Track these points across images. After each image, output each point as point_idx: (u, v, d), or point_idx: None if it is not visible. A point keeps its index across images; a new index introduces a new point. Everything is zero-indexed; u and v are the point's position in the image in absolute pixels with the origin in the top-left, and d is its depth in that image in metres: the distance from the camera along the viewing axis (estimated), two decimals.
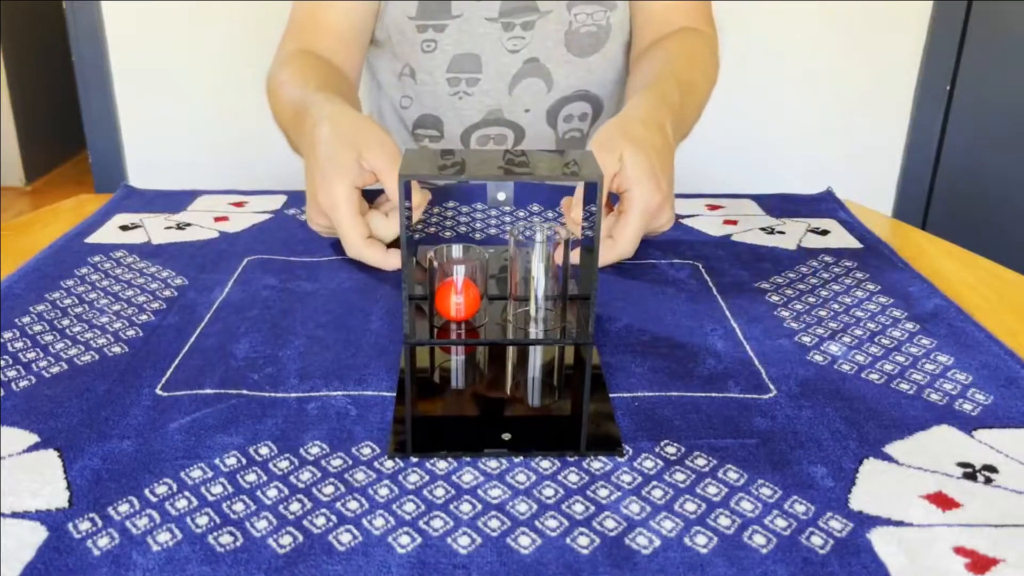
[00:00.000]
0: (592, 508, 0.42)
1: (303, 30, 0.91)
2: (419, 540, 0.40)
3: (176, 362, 0.55)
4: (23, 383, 0.52)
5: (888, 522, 0.41)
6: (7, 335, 0.58)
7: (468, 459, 0.45)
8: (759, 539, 0.40)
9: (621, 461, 0.45)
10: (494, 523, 0.41)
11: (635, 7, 0.95)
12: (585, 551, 0.39)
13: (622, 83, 1.00)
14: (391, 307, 0.62)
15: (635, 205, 0.66)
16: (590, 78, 0.96)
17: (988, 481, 0.44)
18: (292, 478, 0.44)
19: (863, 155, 2.19)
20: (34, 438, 0.47)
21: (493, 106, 0.95)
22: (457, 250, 0.58)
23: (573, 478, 0.44)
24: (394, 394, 0.51)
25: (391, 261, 0.67)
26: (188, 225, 0.78)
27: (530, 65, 0.93)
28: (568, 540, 0.40)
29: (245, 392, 0.51)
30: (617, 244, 0.67)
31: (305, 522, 0.41)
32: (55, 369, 0.54)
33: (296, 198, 0.86)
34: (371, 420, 0.49)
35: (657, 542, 0.39)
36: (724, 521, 0.41)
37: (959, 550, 0.39)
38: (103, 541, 0.39)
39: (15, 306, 0.62)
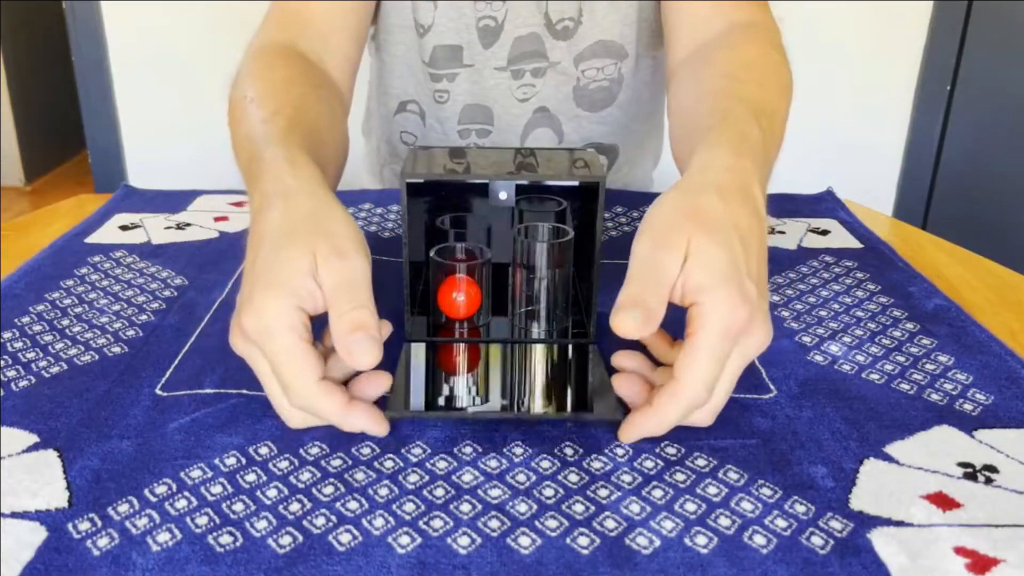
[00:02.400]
0: (592, 508, 0.42)
1: (287, 19, 0.77)
2: (419, 540, 0.40)
3: (176, 362, 0.55)
4: (23, 383, 0.52)
5: (888, 522, 0.41)
6: (7, 335, 0.58)
7: (468, 459, 0.45)
8: (759, 539, 0.40)
9: (621, 461, 0.45)
10: (494, 523, 0.41)
11: (667, 10, 0.79)
12: (585, 551, 0.39)
13: (643, 123, 0.94)
14: (391, 307, 0.62)
15: (709, 324, 0.45)
16: (602, 130, 0.91)
17: (989, 481, 0.44)
18: (292, 478, 0.44)
19: (863, 155, 2.19)
20: (34, 438, 0.47)
21: None
22: (459, 248, 0.58)
23: (573, 478, 0.44)
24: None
25: (355, 420, 0.46)
26: (188, 225, 0.78)
27: (540, 115, 0.90)
28: (568, 540, 0.40)
29: (245, 392, 0.51)
30: (680, 387, 0.45)
31: (305, 522, 0.41)
32: (55, 369, 0.54)
33: None
34: None
35: (657, 542, 0.39)
36: (724, 521, 0.41)
37: (959, 550, 0.39)
38: (103, 541, 0.39)
39: (15, 306, 0.62)
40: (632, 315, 0.44)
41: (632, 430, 0.47)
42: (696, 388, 0.45)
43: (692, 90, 0.68)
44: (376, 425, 0.47)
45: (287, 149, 0.54)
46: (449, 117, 0.91)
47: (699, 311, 0.45)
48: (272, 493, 0.43)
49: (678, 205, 0.48)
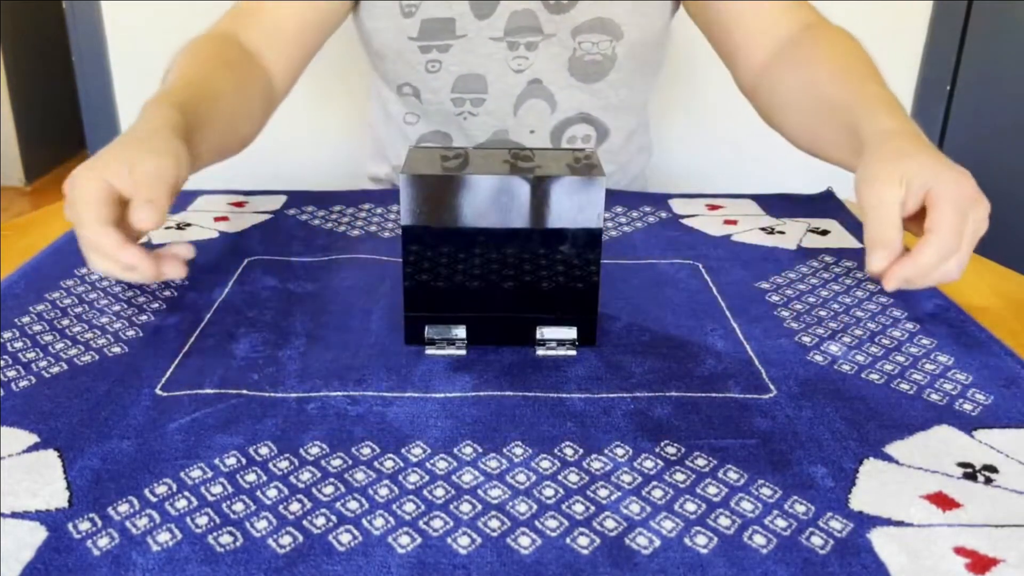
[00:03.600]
0: (592, 508, 0.42)
1: (240, 14, 0.86)
2: (419, 540, 0.40)
3: (176, 362, 0.55)
4: (23, 383, 0.52)
5: (888, 522, 0.41)
6: (7, 335, 0.58)
7: (468, 459, 0.45)
8: (759, 539, 0.40)
9: (621, 461, 0.45)
10: (494, 523, 0.41)
11: (729, 22, 0.87)
12: (585, 551, 0.39)
13: (627, 112, 0.97)
14: (391, 307, 0.62)
15: (947, 193, 0.56)
16: (592, 102, 0.94)
17: (988, 481, 0.44)
18: (292, 478, 0.44)
19: None
20: (34, 438, 0.47)
21: (498, 127, 0.93)
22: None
23: (573, 478, 0.44)
24: (394, 394, 0.51)
25: (127, 255, 0.57)
26: (188, 225, 0.78)
27: (534, 86, 0.92)
28: (568, 540, 0.40)
29: (245, 392, 0.51)
30: (934, 235, 0.56)
31: (305, 522, 0.41)
32: (55, 369, 0.54)
33: (296, 198, 0.86)
34: (371, 420, 0.49)
35: (657, 542, 0.39)
36: (724, 521, 0.41)
37: (959, 550, 0.39)
38: (103, 541, 0.39)
39: (15, 306, 0.62)
40: (878, 255, 0.57)
41: (894, 276, 0.57)
42: (948, 234, 0.55)
43: (804, 81, 0.79)
44: (142, 262, 0.57)
45: (156, 100, 0.68)
46: (442, 87, 0.92)
47: (934, 193, 0.56)
48: (272, 493, 0.43)
49: (877, 157, 0.60)
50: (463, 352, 0.56)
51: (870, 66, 0.77)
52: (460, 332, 0.57)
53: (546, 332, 0.57)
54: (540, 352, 0.56)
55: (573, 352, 0.56)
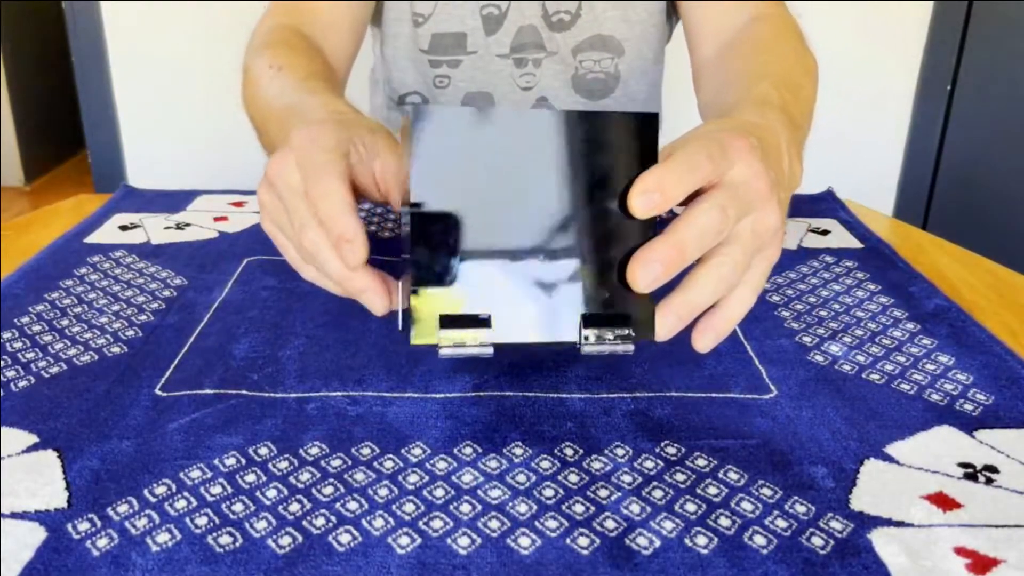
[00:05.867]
0: (592, 508, 0.42)
1: (296, 10, 0.80)
2: (419, 540, 0.39)
3: (175, 362, 0.54)
4: (22, 383, 0.52)
5: (889, 523, 0.41)
6: (6, 335, 0.57)
7: (468, 459, 0.45)
8: (760, 540, 0.40)
9: (621, 461, 0.45)
10: (494, 523, 0.41)
11: (688, 15, 0.83)
12: (585, 552, 0.39)
13: None
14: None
15: (728, 180, 0.43)
16: None
17: (989, 481, 0.44)
18: (292, 478, 0.44)
19: (864, 155, 2.19)
20: (33, 438, 0.47)
21: None
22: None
23: (573, 478, 0.44)
24: (394, 394, 0.51)
25: (358, 281, 0.46)
26: (188, 225, 0.78)
27: (540, 104, 0.91)
28: (568, 541, 0.40)
29: (244, 392, 0.51)
30: (691, 210, 0.42)
31: (305, 522, 0.41)
32: (54, 369, 0.54)
33: None
34: (371, 420, 0.48)
35: (657, 543, 0.39)
36: (724, 522, 0.41)
37: (960, 551, 0.39)
38: (102, 542, 0.39)
39: (14, 306, 0.62)
40: (645, 198, 0.41)
41: (647, 261, 0.41)
42: (710, 212, 0.41)
43: (720, 80, 0.70)
44: (375, 294, 0.45)
45: (333, 95, 0.58)
46: (450, 103, 0.91)
47: (723, 178, 0.43)
48: (272, 493, 0.43)
49: (703, 131, 0.46)
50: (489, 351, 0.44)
51: (784, 66, 0.66)
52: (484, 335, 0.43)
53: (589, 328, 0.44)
54: (587, 349, 0.44)
55: (631, 348, 0.44)
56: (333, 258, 0.44)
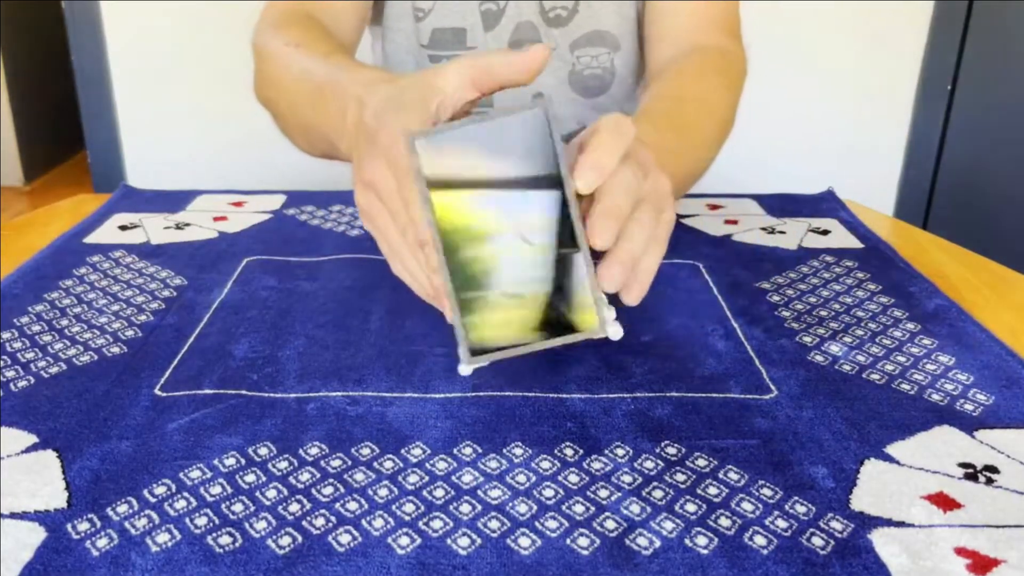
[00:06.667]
0: (592, 509, 0.42)
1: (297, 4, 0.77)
2: (419, 541, 0.39)
3: (175, 362, 0.54)
4: (22, 383, 0.52)
5: (889, 523, 0.41)
6: (6, 335, 0.57)
7: (468, 459, 0.45)
8: (760, 540, 0.40)
9: (621, 462, 0.45)
10: (494, 524, 0.41)
11: (650, 17, 0.83)
12: (585, 552, 0.39)
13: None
14: (391, 307, 0.62)
15: (604, 127, 0.45)
16: (594, 117, 0.92)
17: (989, 482, 0.44)
18: (291, 479, 0.44)
19: (864, 155, 2.19)
20: (33, 438, 0.46)
21: None
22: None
23: (573, 479, 0.44)
24: (394, 395, 0.51)
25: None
26: (187, 225, 0.78)
27: (537, 100, 0.91)
28: (568, 541, 0.40)
29: (244, 392, 0.51)
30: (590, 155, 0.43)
31: (304, 523, 0.40)
32: (54, 369, 0.53)
33: (295, 198, 0.85)
34: (370, 420, 0.48)
35: (658, 543, 0.39)
36: (725, 522, 0.41)
37: (960, 551, 0.39)
38: (102, 542, 0.39)
39: (14, 306, 0.62)
40: (591, 176, 0.43)
41: (601, 217, 0.43)
42: (627, 173, 0.44)
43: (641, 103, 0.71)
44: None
45: (364, 67, 0.56)
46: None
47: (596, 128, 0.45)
48: (271, 494, 0.42)
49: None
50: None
51: (691, 109, 0.69)
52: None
53: None
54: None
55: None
56: (417, 287, 0.46)
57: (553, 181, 0.43)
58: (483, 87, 0.47)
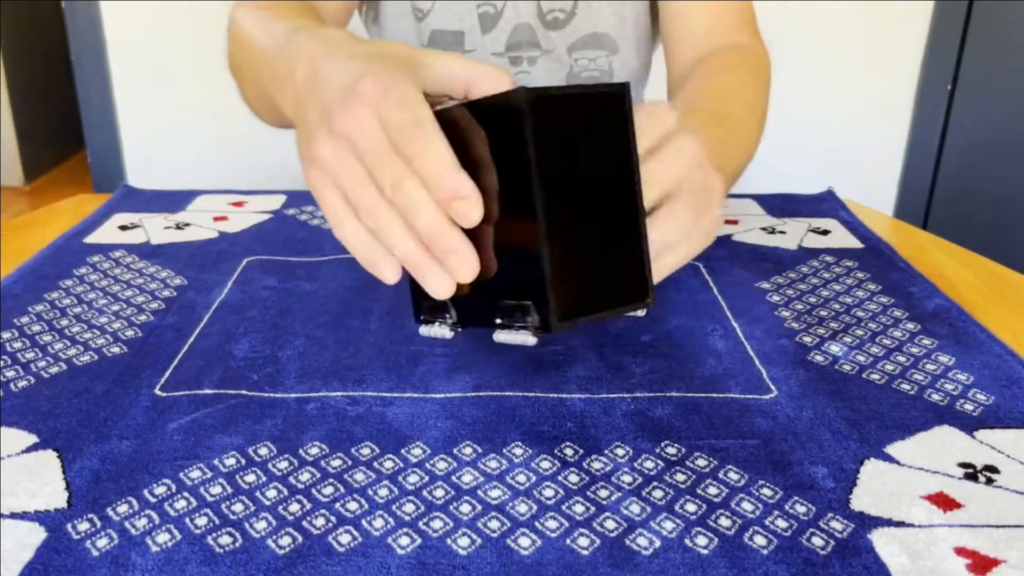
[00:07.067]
0: (592, 509, 0.42)
1: None
2: (419, 541, 0.39)
3: (175, 362, 0.54)
4: (22, 383, 0.52)
5: (889, 523, 0.41)
6: (6, 335, 0.57)
7: (468, 459, 0.45)
8: (760, 540, 0.40)
9: (621, 462, 0.45)
10: (494, 524, 0.41)
11: (667, 18, 0.82)
12: (585, 552, 0.39)
13: None
14: (391, 307, 0.62)
15: (640, 110, 0.44)
16: None
17: (989, 482, 0.44)
18: (291, 479, 0.44)
19: (864, 155, 2.19)
20: (33, 438, 0.46)
21: None
22: None
23: (573, 479, 0.44)
24: (394, 394, 0.51)
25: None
26: (187, 225, 0.78)
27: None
28: (568, 541, 0.40)
29: (244, 392, 0.51)
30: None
31: (304, 523, 0.40)
32: (54, 369, 0.53)
33: (295, 198, 0.85)
34: (370, 420, 0.48)
35: (658, 543, 0.39)
36: (725, 522, 0.41)
37: (960, 551, 0.39)
38: (102, 542, 0.39)
39: (14, 306, 0.62)
40: None
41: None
42: (679, 216, 0.45)
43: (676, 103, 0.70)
44: (463, 257, 0.41)
45: (329, 27, 0.53)
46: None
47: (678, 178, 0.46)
48: (272, 494, 0.42)
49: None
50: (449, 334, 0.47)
51: (728, 102, 0.68)
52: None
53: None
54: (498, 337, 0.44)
55: (531, 340, 0.43)
56: (431, 213, 0.40)
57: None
58: (459, 91, 0.45)
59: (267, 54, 0.54)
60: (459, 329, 0.47)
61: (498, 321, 0.44)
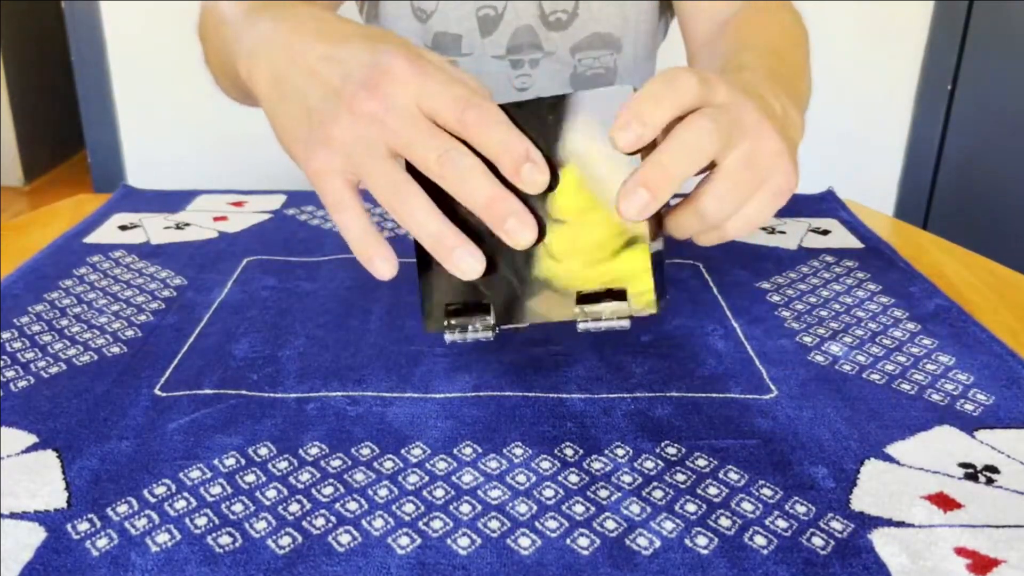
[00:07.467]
0: (592, 509, 0.42)
1: None
2: (419, 541, 0.39)
3: (175, 362, 0.54)
4: (22, 383, 0.52)
5: (889, 523, 0.41)
6: (6, 335, 0.57)
7: (468, 459, 0.45)
8: (760, 540, 0.40)
9: (621, 462, 0.45)
10: (494, 524, 0.41)
11: (679, 4, 0.82)
12: (585, 552, 0.39)
13: None
14: (391, 307, 0.62)
15: (656, 78, 0.41)
16: None
17: (990, 482, 0.44)
18: (291, 479, 0.44)
19: (864, 155, 2.19)
20: (32, 438, 0.46)
21: None
22: None
23: (573, 479, 0.44)
24: (394, 394, 0.51)
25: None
26: (187, 225, 0.78)
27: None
28: (568, 541, 0.39)
29: (244, 392, 0.51)
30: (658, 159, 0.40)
31: (304, 523, 0.40)
32: (54, 369, 0.53)
33: (295, 198, 0.85)
34: (370, 420, 0.48)
35: (658, 543, 0.39)
36: (725, 522, 0.41)
37: (960, 551, 0.39)
38: (102, 542, 0.39)
39: (13, 306, 0.62)
40: (631, 131, 0.40)
41: (630, 189, 0.40)
42: (694, 124, 0.40)
43: (704, 63, 0.70)
44: (521, 222, 0.40)
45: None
46: None
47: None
48: (271, 494, 0.42)
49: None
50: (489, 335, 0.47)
51: (767, 37, 0.65)
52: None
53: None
54: (583, 326, 0.45)
55: (627, 323, 0.44)
56: (487, 179, 0.40)
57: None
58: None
59: (236, 25, 0.52)
60: (498, 330, 0.47)
61: (577, 309, 0.45)
